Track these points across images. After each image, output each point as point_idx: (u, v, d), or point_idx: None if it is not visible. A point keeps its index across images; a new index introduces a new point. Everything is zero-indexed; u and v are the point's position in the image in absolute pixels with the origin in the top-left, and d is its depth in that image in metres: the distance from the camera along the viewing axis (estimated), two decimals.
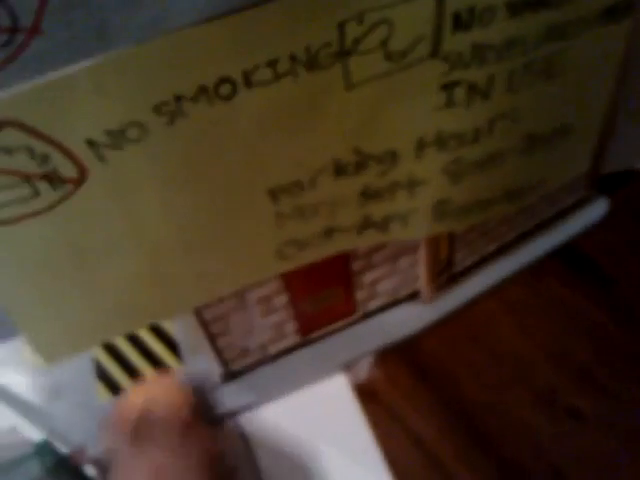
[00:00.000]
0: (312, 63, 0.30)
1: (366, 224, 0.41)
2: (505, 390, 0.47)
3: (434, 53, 0.33)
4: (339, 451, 0.47)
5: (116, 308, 0.38)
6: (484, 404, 0.47)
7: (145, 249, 0.35)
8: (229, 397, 0.49)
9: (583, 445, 0.44)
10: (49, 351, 0.37)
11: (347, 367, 0.51)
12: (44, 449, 0.42)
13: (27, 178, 0.28)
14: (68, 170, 0.29)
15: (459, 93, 0.35)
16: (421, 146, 0.37)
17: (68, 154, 0.28)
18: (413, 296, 0.51)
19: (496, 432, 0.45)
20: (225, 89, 0.29)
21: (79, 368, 0.53)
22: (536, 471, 0.43)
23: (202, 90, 0.29)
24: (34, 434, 0.47)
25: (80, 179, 0.30)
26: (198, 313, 0.43)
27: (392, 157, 0.37)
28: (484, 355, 0.49)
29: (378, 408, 0.48)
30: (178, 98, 0.28)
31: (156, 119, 0.29)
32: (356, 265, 0.46)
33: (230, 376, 0.49)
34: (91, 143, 0.28)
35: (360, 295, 0.49)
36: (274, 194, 0.36)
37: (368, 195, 0.39)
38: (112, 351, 0.53)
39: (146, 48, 0.26)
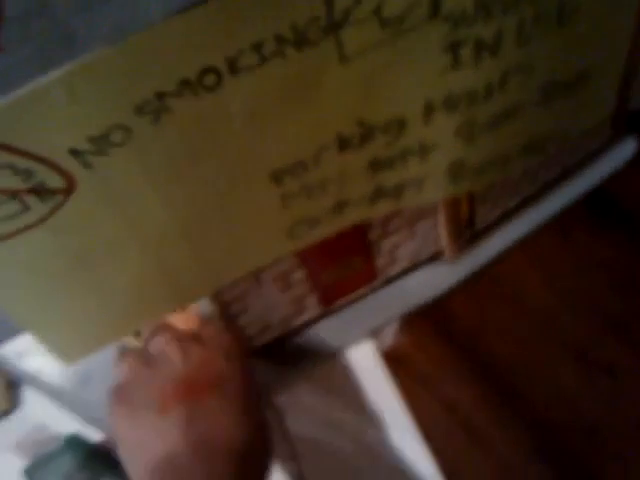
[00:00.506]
0: (301, 41, 0.28)
1: (378, 194, 0.39)
2: (536, 348, 0.46)
3: (434, 14, 0.30)
4: (370, 419, 0.46)
5: (127, 305, 0.37)
6: (515, 364, 0.46)
7: (148, 247, 0.34)
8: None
9: (618, 402, 0.42)
10: (66, 353, 0.37)
11: (373, 334, 0.50)
12: (74, 443, 0.42)
13: (14, 194, 0.27)
14: (55, 181, 0.28)
15: (465, 52, 0.33)
16: (429, 111, 0.35)
17: (52, 166, 0.27)
18: (435, 257, 0.50)
19: (528, 392, 0.44)
20: (209, 79, 0.27)
21: (108, 352, 0.53)
22: (570, 430, 0.42)
23: (185, 84, 0.27)
24: (64, 427, 0.47)
25: (69, 189, 0.28)
26: (217, 295, 0.42)
27: (399, 125, 0.35)
28: (513, 312, 0.48)
29: (407, 373, 0.47)
30: (160, 95, 0.27)
31: (139, 119, 0.27)
32: (373, 233, 0.45)
33: (254, 352, 0.49)
34: (75, 152, 0.27)
35: (380, 262, 0.48)
36: (277, 177, 0.34)
37: (378, 165, 0.37)
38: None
39: (118, 49, 0.25)
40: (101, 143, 0.27)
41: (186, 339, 0.38)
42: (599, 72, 0.40)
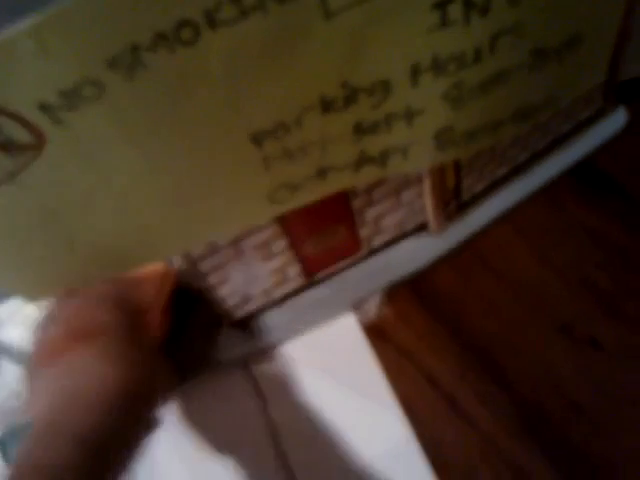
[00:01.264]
0: None
1: (362, 160, 0.38)
2: (522, 322, 0.45)
3: None
4: (351, 393, 0.45)
5: (96, 257, 0.36)
6: (500, 338, 0.45)
7: (121, 204, 0.33)
8: (236, 344, 0.48)
9: (603, 377, 0.42)
10: (29, 293, 0.37)
11: (356, 306, 0.49)
12: None
13: None
14: (24, 137, 0.27)
15: (454, 10, 0.31)
16: (416, 73, 0.34)
17: (21, 121, 0.26)
18: (421, 228, 0.49)
19: (513, 367, 0.44)
20: (186, 33, 0.26)
21: None
22: (555, 407, 0.41)
23: (160, 37, 0.25)
24: None
25: (38, 145, 0.27)
26: (193, 265, 0.41)
27: (384, 87, 0.34)
28: (499, 286, 0.47)
29: (390, 347, 0.46)
30: (134, 48, 0.25)
31: (112, 74, 0.26)
32: (357, 201, 0.44)
33: (235, 323, 0.47)
34: (44, 107, 0.26)
35: (364, 232, 0.46)
36: (258, 139, 0.33)
37: (362, 130, 0.36)
38: None
39: None
40: (72, 98, 0.26)
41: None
42: (591, 37, 0.39)
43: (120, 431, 0.33)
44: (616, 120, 0.51)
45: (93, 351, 0.35)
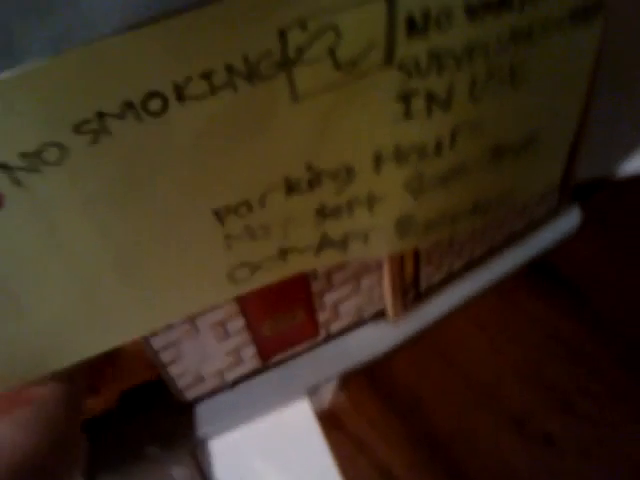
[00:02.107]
0: (252, 74, 0.27)
1: (324, 244, 0.38)
2: (477, 415, 0.45)
3: (388, 61, 0.30)
4: None
5: (52, 341, 0.34)
6: (455, 431, 0.44)
7: (78, 278, 0.32)
8: (185, 426, 0.46)
9: (556, 473, 0.41)
10: None
11: (310, 392, 0.48)
12: None
13: None
14: None
15: (417, 103, 0.33)
16: (379, 160, 0.35)
17: None
18: (378, 316, 0.49)
19: (467, 460, 0.43)
20: (154, 104, 0.26)
21: None
22: None
23: (128, 106, 0.26)
24: None
25: None
26: (146, 342, 0.40)
27: (348, 173, 0.35)
28: (454, 378, 0.47)
29: (343, 436, 0.45)
30: (101, 115, 0.26)
31: (77, 138, 0.26)
32: (316, 285, 0.44)
33: (184, 405, 0.46)
34: (4, 167, 0.25)
35: (322, 316, 0.46)
36: (220, 215, 0.33)
37: (324, 213, 0.36)
38: None
39: (60, 61, 0.23)
40: (34, 160, 0.26)
41: None
42: (548, 139, 0.41)
43: None
44: (570, 219, 0.53)
45: (15, 420, 0.35)
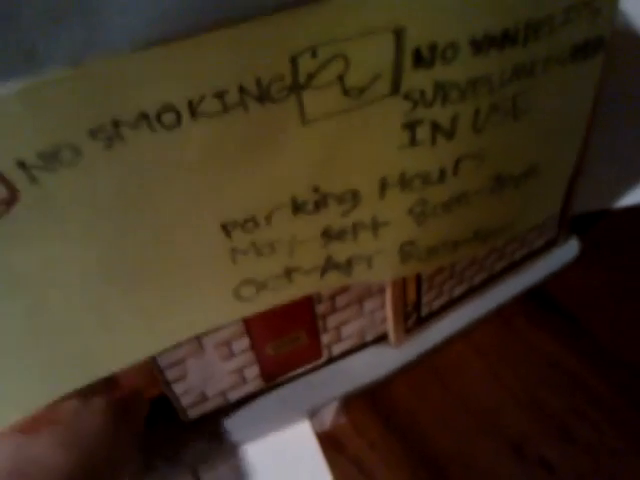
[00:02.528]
0: (263, 96, 0.29)
1: (328, 266, 0.39)
2: (475, 440, 0.45)
3: (394, 90, 0.31)
4: None
5: (63, 361, 0.35)
6: (453, 455, 0.45)
7: (85, 283, 0.32)
8: (188, 444, 0.47)
9: None
10: None
11: (311, 414, 0.48)
12: None
13: None
14: None
15: (422, 132, 0.34)
16: (384, 186, 0.36)
17: None
18: (380, 340, 0.50)
19: None
20: (168, 118, 0.27)
21: None
22: None
23: (143, 117, 0.27)
24: None
25: (11, 200, 0.28)
26: (152, 359, 0.41)
27: (354, 197, 0.36)
28: (454, 402, 0.48)
29: (343, 458, 0.46)
30: (116, 123, 0.27)
31: (92, 143, 0.27)
32: (320, 308, 0.45)
33: (188, 423, 0.47)
34: (22, 164, 0.27)
35: (325, 339, 0.47)
36: (228, 229, 0.34)
37: (330, 235, 0.38)
38: None
39: (81, 71, 0.25)
40: (50, 160, 0.27)
41: None
42: (548, 170, 0.42)
43: None
44: (569, 250, 0.54)
45: (48, 439, 0.35)
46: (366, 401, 0.48)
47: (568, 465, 0.43)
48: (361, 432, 0.47)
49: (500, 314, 0.52)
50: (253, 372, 0.46)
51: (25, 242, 0.29)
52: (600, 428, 0.44)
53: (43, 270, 0.31)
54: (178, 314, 0.37)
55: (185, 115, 0.27)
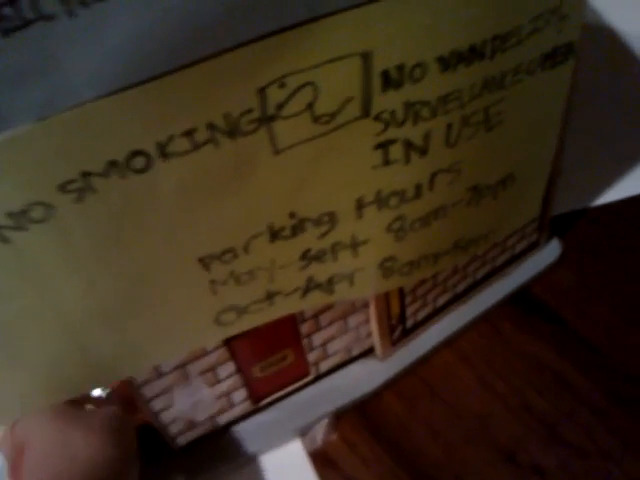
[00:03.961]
0: (233, 130, 0.28)
1: (310, 286, 0.39)
2: (467, 449, 0.45)
3: (365, 113, 0.31)
4: None
5: (47, 381, 0.35)
6: (446, 465, 0.45)
7: (67, 326, 0.32)
8: (178, 470, 0.46)
9: None
10: None
11: (302, 432, 0.48)
12: None
13: None
14: None
15: (395, 151, 0.34)
16: (361, 206, 0.36)
17: None
18: (367, 353, 0.49)
19: None
20: (138, 162, 0.27)
21: None
22: None
23: (112, 164, 0.27)
24: None
25: None
26: (137, 391, 0.41)
27: (331, 219, 0.36)
28: (444, 412, 0.47)
29: (336, 475, 0.46)
30: (86, 174, 0.26)
31: (62, 197, 0.26)
32: (305, 326, 0.44)
33: (177, 449, 0.46)
34: None
35: (312, 356, 0.47)
36: (206, 263, 0.33)
37: (309, 257, 0.37)
38: None
39: (45, 125, 0.24)
40: (20, 218, 0.26)
41: None
42: (524, 177, 0.42)
43: None
44: (550, 251, 0.54)
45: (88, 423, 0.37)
46: (356, 416, 0.48)
47: (559, 469, 0.43)
48: (353, 447, 0.47)
49: (486, 320, 0.52)
50: (241, 395, 0.46)
51: (1, 298, 0.29)
52: (591, 430, 0.45)
53: (21, 318, 0.31)
54: (160, 343, 0.36)
55: (155, 157, 0.27)
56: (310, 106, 0.29)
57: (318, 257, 0.38)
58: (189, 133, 0.27)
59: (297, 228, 0.35)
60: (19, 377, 0.34)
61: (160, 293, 0.33)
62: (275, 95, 0.28)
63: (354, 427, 0.48)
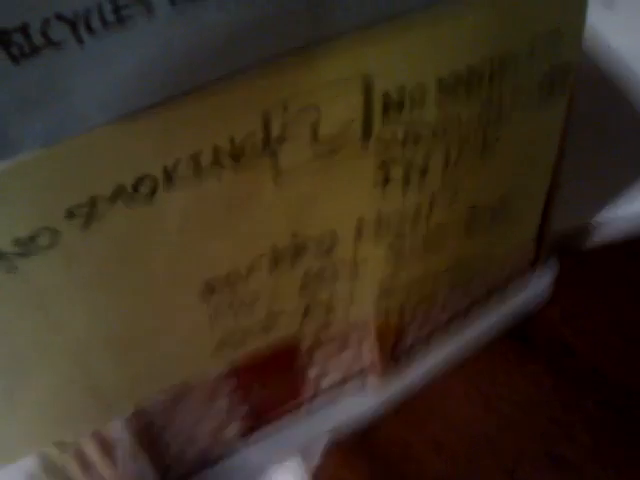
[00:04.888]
0: (237, 152, 0.29)
1: (309, 307, 0.39)
2: (469, 469, 0.45)
3: (366, 134, 0.32)
4: None
5: (53, 416, 0.35)
6: None
7: (72, 354, 0.32)
8: None
9: None
10: None
11: (301, 452, 0.48)
12: None
13: None
14: None
15: (396, 171, 0.34)
16: (362, 225, 0.36)
17: None
18: (367, 373, 0.49)
19: None
20: (145, 187, 0.27)
21: None
22: None
23: (120, 189, 0.27)
24: None
25: None
26: (132, 419, 0.40)
27: (332, 238, 0.36)
28: (446, 432, 0.47)
29: None
30: (93, 200, 0.27)
31: (69, 223, 0.27)
32: (305, 344, 0.44)
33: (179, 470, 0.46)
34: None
35: (311, 374, 0.47)
36: (209, 287, 0.34)
37: (310, 277, 0.38)
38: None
39: (54, 152, 0.24)
40: (27, 245, 0.26)
41: None
42: (522, 196, 0.43)
43: None
44: (549, 271, 0.54)
45: None
46: (356, 436, 0.48)
47: None
48: (353, 467, 0.47)
49: (487, 340, 0.52)
50: (240, 414, 0.46)
51: (7, 329, 0.29)
52: (592, 450, 0.45)
53: (28, 347, 0.30)
54: (160, 369, 0.37)
55: (161, 181, 0.27)
56: (313, 128, 0.30)
57: (318, 277, 0.38)
58: (195, 156, 0.28)
59: (299, 247, 0.35)
60: (21, 413, 0.33)
61: (164, 319, 0.34)
62: (278, 117, 0.28)
63: (354, 447, 0.48)
